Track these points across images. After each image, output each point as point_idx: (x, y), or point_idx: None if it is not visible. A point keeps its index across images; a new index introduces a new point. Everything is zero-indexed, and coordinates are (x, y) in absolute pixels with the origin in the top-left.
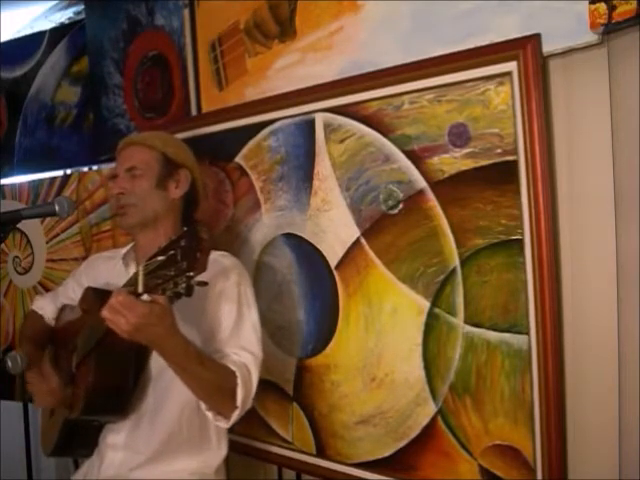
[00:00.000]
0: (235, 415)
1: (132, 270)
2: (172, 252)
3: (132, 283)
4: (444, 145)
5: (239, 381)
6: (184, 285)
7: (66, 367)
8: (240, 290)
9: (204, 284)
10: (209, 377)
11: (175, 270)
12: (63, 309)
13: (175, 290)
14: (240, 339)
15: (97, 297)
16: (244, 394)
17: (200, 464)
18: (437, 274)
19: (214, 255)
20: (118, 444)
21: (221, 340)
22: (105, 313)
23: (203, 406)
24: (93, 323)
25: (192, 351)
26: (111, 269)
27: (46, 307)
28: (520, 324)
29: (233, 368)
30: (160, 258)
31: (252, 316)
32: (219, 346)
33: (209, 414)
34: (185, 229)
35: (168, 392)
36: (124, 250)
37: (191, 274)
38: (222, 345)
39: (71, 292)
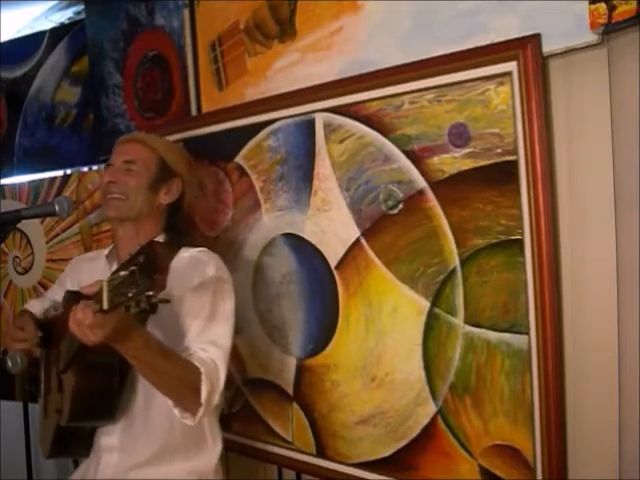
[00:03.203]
0: (200, 412)
1: (115, 268)
2: (132, 268)
3: (99, 298)
4: (444, 145)
5: (203, 377)
6: (146, 304)
7: (54, 372)
8: (216, 284)
9: (166, 301)
10: (172, 371)
11: (136, 288)
12: (48, 310)
13: (138, 308)
14: (211, 334)
15: (73, 300)
16: (209, 390)
17: (198, 463)
18: (437, 274)
19: (192, 252)
20: (112, 446)
21: (192, 336)
22: (72, 327)
23: (169, 403)
24: None
25: (153, 343)
26: (94, 269)
27: (34, 306)
28: (520, 324)
29: (197, 364)
30: (122, 273)
31: (226, 310)
32: (189, 342)
33: (176, 411)
34: (144, 244)
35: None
36: (107, 250)
37: (150, 294)
38: (192, 341)
39: (57, 296)
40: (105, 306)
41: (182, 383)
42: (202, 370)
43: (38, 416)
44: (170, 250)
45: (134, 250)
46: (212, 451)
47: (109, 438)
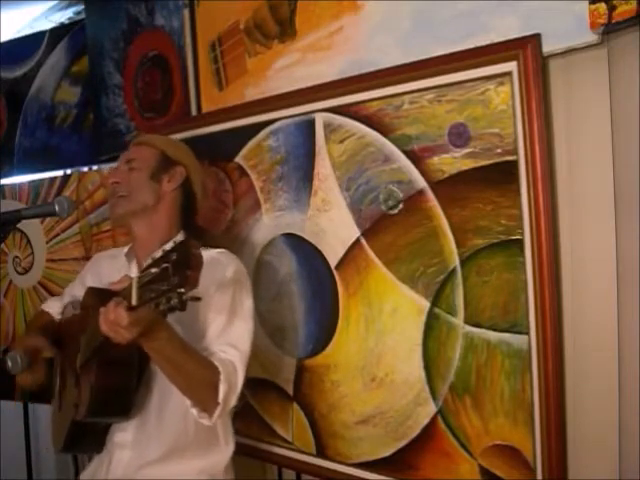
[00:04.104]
0: (217, 412)
1: (134, 266)
2: (165, 265)
3: (127, 294)
4: (444, 145)
5: (222, 377)
6: (177, 300)
7: (71, 367)
8: (235, 287)
9: (197, 299)
10: (191, 367)
11: (167, 285)
12: (67, 307)
13: (168, 305)
14: (230, 336)
15: (98, 297)
16: (226, 390)
17: (209, 462)
18: (437, 274)
19: (212, 252)
20: (126, 443)
21: (211, 337)
22: (103, 326)
23: (187, 402)
24: (95, 324)
25: (175, 338)
26: (114, 267)
27: (53, 306)
28: (520, 324)
29: (216, 363)
30: (153, 270)
31: (245, 312)
32: (208, 343)
33: (193, 411)
34: (178, 241)
35: (172, 388)
36: (126, 249)
37: (182, 291)
38: (211, 342)
39: (76, 291)
40: (134, 302)
41: (201, 380)
42: (221, 370)
43: (51, 411)
44: None
45: (153, 249)
46: (224, 451)
47: (124, 434)
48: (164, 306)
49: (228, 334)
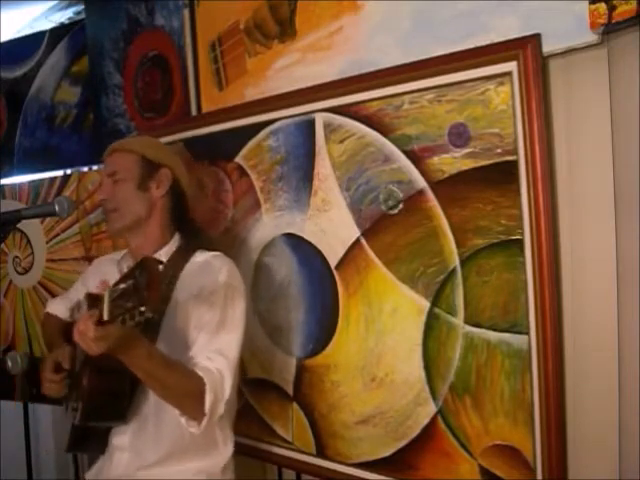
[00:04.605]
0: (204, 422)
1: None
2: (131, 281)
3: (100, 308)
4: (444, 145)
5: (207, 387)
6: (140, 318)
7: (74, 371)
8: (227, 292)
9: (153, 318)
10: (174, 381)
11: (131, 302)
12: (73, 311)
13: (133, 322)
14: (219, 342)
15: (93, 303)
16: (212, 400)
17: (207, 463)
18: (437, 274)
19: (206, 256)
20: (124, 445)
21: (201, 343)
22: (75, 336)
23: (176, 411)
24: None
25: (155, 354)
26: (114, 272)
27: (58, 308)
28: (520, 324)
29: (201, 374)
30: (122, 286)
31: (235, 318)
32: (197, 349)
33: (182, 419)
34: (141, 259)
35: None
36: (120, 255)
37: (143, 309)
38: (200, 349)
39: (80, 294)
40: (105, 317)
41: (185, 393)
42: (206, 380)
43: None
44: (184, 255)
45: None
46: (222, 453)
47: (122, 437)
48: (130, 322)
49: (217, 341)
